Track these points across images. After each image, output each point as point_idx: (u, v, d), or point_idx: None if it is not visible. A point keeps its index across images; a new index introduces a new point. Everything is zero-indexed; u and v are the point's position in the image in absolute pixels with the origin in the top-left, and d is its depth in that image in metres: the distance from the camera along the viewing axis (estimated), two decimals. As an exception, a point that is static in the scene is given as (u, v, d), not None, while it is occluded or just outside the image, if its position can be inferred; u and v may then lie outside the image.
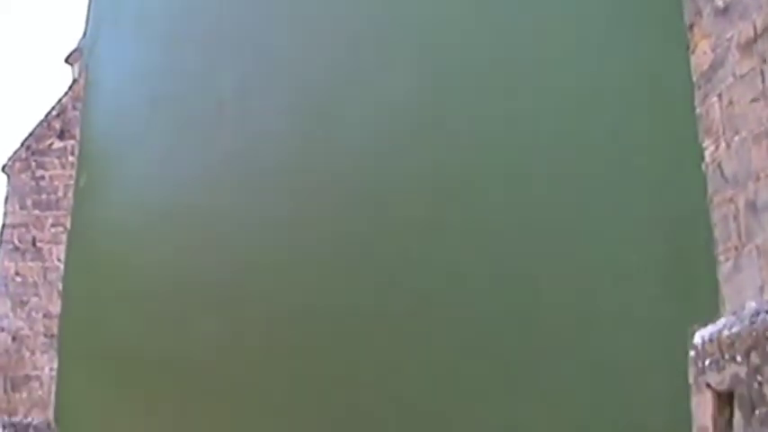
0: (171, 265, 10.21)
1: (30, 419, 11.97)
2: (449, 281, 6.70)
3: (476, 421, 6.25)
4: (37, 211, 12.56)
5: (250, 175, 9.25)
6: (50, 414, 11.97)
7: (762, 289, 4.32)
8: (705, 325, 4.55)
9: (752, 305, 4.34)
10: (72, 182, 12.52)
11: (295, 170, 8.64)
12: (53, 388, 12.05)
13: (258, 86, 9.49)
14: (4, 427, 11.86)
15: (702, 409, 4.50)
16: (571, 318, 5.70)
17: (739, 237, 4.48)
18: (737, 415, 4.24)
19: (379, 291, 7.38)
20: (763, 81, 4.37)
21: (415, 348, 6.86)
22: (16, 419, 11.99)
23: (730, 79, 4.58)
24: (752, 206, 4.40)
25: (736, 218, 4.50)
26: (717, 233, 4.65)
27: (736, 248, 4.50)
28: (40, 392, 12.13)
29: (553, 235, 5.95)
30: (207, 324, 9.17)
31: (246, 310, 8.75)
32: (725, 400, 4.35)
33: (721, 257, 4.61)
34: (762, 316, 4.15)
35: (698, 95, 4.85)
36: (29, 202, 12.60)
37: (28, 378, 12.22)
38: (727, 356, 4.31)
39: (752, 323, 4.18)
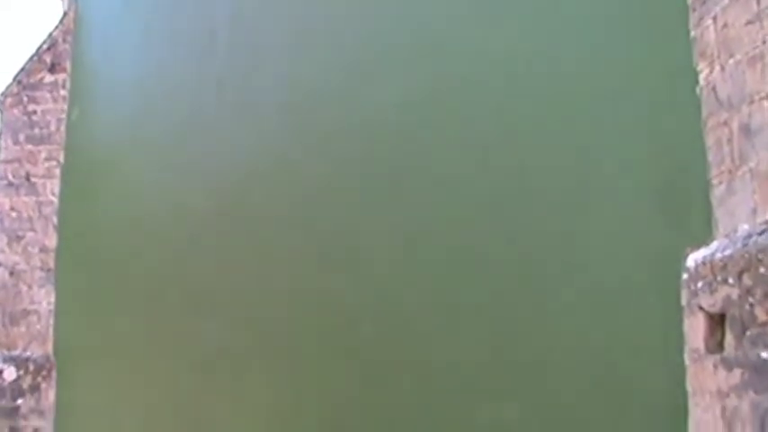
0: (166, 194, 10.18)
1: (29, 353, 12.04)
2: (449, 210, 6.72)
3: (470, 343, 6.32)
4: (30, 146, 12.50)
5: (243, 105, 9.20)
6: (49, 348, 12.03)
7: (754, 212, 4.34)
8: (698, 248, 4.59)
9: (744, 228, 4.37)
10: (64, 116, 12.44)
11: (288, 100, 8.60)
12: (51, 322, 12.09)
13: (251, 16, 9.40)
14: (3, 361, 11.93)
15: (695, 330, 4.56)
16: (566, 241, 5.73)
17: (733, 160, 4.49)
18: (729, 336, 4.30)
19: (377, 218, 7.39)
20: (758, 3, 4.34)
21: (412, 276, 6.91)
22: (15, 353, 12.06)
23: (725, 1, 4.56)
24: (746, 129, 4.41)
25: (729, 141, 4.51)
26: (710, 156, 4.66)
27: (730, 172, 4.51)
28: (38, 326, 12.18)
29: (548, 161, 5.96)
30: (206, 252, 9.19)
31: (247, 233, 8.74)
32: (717, 321, 4.40)
33: (715, 181, 4.63)
34: (754, 238, 4.18)
35: (693, 18, 4.83)
36: (21, 137, 12.53)
37: (26, 312, 12.26)
38: (719, 279, 4.35)
39: (744, 246, 4.21)
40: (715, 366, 4.39)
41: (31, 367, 11.90)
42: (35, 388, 11.82)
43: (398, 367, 6.95)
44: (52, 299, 12.12)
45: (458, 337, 6.44)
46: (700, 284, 4.50)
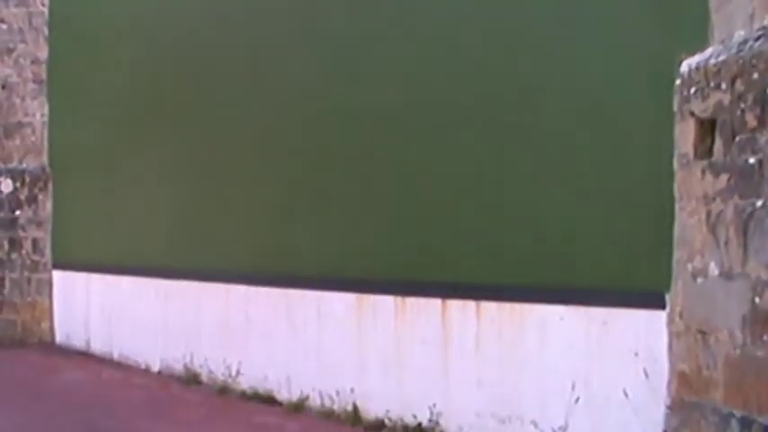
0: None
1: (24, 165, 12.14)
2: (445, 13, 6.62)
3: (463, 146, 6.36)
4: (17, -45, 12.25)
5: None
6: (44, 159, 12.12)
7: (752, 17, 4.28)
8: (693, 54, 4.55)
9: (740, 33, 4.32)
10: None
11: None
12: (45, 133, 12.13)
13: None
14: (1, 174, 12.04)
15: (685, 136, 4.57)
16: (560, 44, 5.69)
17: (733, -37, 4.40)
18: (718, 141, 4.31)
19: (372, 17, 7.27)
20: None
21: (407, 77, 6.85)
22: (11, 166, 12.15)
23: None
24: (746, -67, 4.30)
25: (730, -57, 4.41)
26: (709, -42, 4.57)
27: (729, -25, 4.44)
28: (33, 138, 12.23)
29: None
30: (200, 55, 9.08)
31: (242, 34, 8.56)
32: (707, 127, 4.41)
33: (713, -15, 4.56)
34: (750, 44, 4.14)
35: None
36: (7, -54, 12.27)
37: (20, 125, 12.29)
38: (712, 84, 4.33)
39: (739, 51, 4.17)
40: (702, 172, 4.42)
41: (28, 179, 12.03)
42: (32, 199, 11.98)
43: (392, 169, 6.98)
44: (45, 110, 12.12)
45: (451, 140, 6.46)
46: (692, 90, 4.48)
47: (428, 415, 6.43)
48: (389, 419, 6.72)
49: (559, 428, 5.61)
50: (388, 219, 6.93)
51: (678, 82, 4.62)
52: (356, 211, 7.23)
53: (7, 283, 11.88)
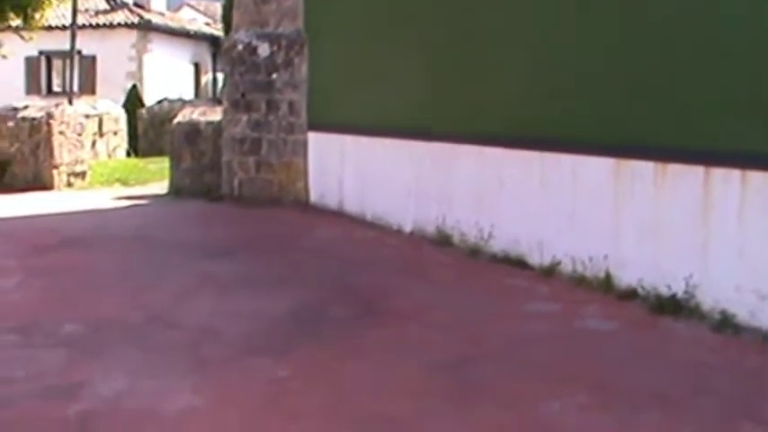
0: None
1: (281, 30, 12.46)
2: None
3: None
4: None
5: None
6: (300, 23, 12.37)
7: None
8: None
9: None
10: None
11: None
12: (301, -2, 12.37)
13: None
14: (257, 38, 12.43)
15: None
16: None
17: None
18: None
19: None
20: None
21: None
22: (268, 30, 12.51)
23: None
24: None
25: None
26: None
27: None
28: (288, 3, 12.49)
29: None
30: None
31: None
32: None
33: None
34: None
35: None
36: None
37: (276, -11, 12.57)
38: None
39: None
40: None
41: (284, 43, 12.38)
42: (288, 63, 12.34)
43: (648, 33, 6.70)
44: (301, -25, 12.33)
45: None
46: None
47: (683, 286, 6.25)
48: (642, 288, 6.57)
49: (826, 308, 5.36)
50: (648, 81, 6.65)
51: None
52: (615, 73, 6.98)
53: (264, 144, 12.39)
